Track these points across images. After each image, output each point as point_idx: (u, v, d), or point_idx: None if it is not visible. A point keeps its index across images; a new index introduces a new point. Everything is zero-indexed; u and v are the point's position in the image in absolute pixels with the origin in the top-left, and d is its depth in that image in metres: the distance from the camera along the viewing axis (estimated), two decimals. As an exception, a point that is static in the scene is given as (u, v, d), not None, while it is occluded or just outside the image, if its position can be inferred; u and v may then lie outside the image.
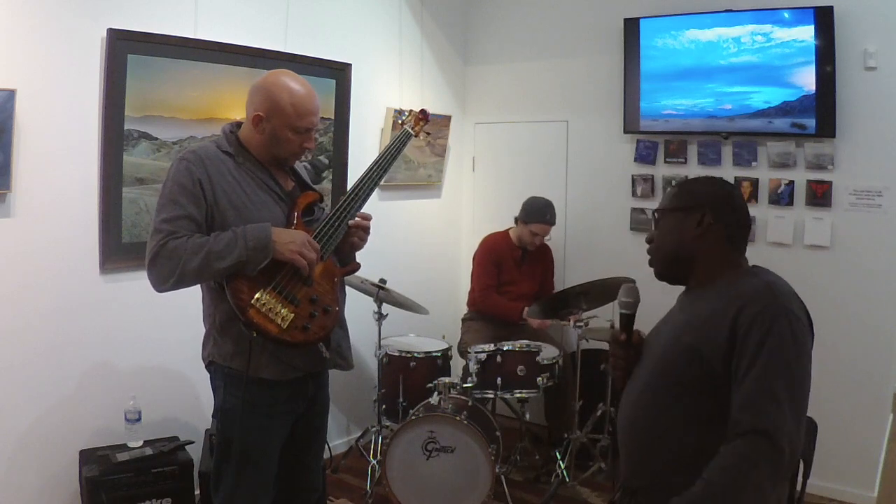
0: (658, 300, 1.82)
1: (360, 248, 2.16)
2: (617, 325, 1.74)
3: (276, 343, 1.89)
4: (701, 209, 1.59)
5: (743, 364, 1.39)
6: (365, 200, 2.13)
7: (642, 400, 1.56)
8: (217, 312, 1.99)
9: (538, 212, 3.88)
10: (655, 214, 1.69)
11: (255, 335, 1.86)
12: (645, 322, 1.76)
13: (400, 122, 2.43)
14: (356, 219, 2.10)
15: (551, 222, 3.89)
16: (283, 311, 1.89)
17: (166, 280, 1.85)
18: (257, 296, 1.86)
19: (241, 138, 2.03)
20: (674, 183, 1.73)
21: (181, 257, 1.82)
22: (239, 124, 2.07)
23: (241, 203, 1.94)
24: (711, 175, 1.78)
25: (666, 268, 1.65)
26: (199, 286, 2.02)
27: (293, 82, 1.98)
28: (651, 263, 1.67)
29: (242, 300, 1.85)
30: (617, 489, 3.24)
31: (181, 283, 1.86)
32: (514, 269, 3.98)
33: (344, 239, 2.09)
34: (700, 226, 1.58)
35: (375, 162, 2.19)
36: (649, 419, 1.53)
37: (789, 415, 1.34)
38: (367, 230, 2.13)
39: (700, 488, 1.35)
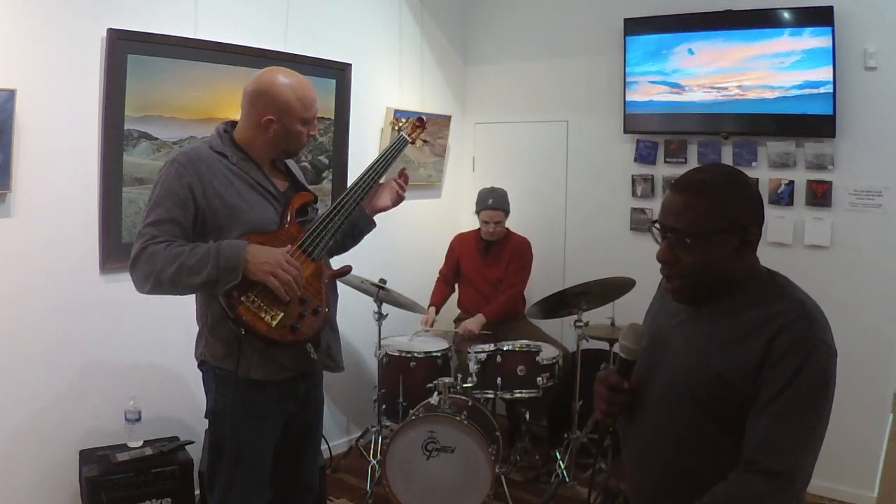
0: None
1: (395, 205, 2.31)
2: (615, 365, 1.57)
3: (264, 341, 1.89)
4: (740, 229, 1.38)
5: (769, 391, 1.30)
6: (359, 203, 2.15)
7: (662, 421, 1.45)
8: (209, 312, 1.99)
9: (481, 200, 3.97)
10: (669, 234, 1.42)
11: (243, 333, 1.86)
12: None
13: (397, 128, 2.43)
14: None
15: (495, 206, 3.92)
16: (272, 310, 1.89)
17: (144, 284, 1.87)
18: (247, 293, 1.87)
19: (238, 139, 2.03)
20: (679, 180, 1.46)
21: (156, 265, 1.83)
22: (233, 124, 2.07)
23: (234, 203, 1.94)
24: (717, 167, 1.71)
25: (700, 296, 1.45)
26: None
27: (290, 78, 2.00)
28: (675, 289, 1.46)
29: (232, 297, 1.85)
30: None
31: (157, 289, 1.87)
32: (479, 260, 4.06)
33: (344, 230, 2.13)
34: (742, 246, 1.39)
35: (371, 166, 2.20)
36: (675, 449, 1.42)
37: (810, 458, 1.30)
38: (404, 185, 2.30)
39: None
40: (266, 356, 1.96)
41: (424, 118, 2.45)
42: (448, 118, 4.45)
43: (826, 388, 1.32)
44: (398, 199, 2.32)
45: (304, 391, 2.12)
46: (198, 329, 2.08)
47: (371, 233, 2.32)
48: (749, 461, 1.29)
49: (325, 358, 2.10)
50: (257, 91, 1.99)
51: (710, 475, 1.36)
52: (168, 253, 1.84)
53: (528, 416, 3.65)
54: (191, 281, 1.83)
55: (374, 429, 3.59)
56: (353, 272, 2.21)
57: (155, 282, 1.84)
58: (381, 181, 2.27)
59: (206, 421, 2.10)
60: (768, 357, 1.32)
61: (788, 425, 1.28)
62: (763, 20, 3.48)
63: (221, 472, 2.00)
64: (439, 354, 3.60)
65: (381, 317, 3.50)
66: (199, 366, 2.10)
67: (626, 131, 4.01)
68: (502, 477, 3.26)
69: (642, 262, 3.77)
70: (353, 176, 3.75)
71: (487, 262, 4.04)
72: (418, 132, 2.42)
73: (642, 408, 1.51)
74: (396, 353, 3.55)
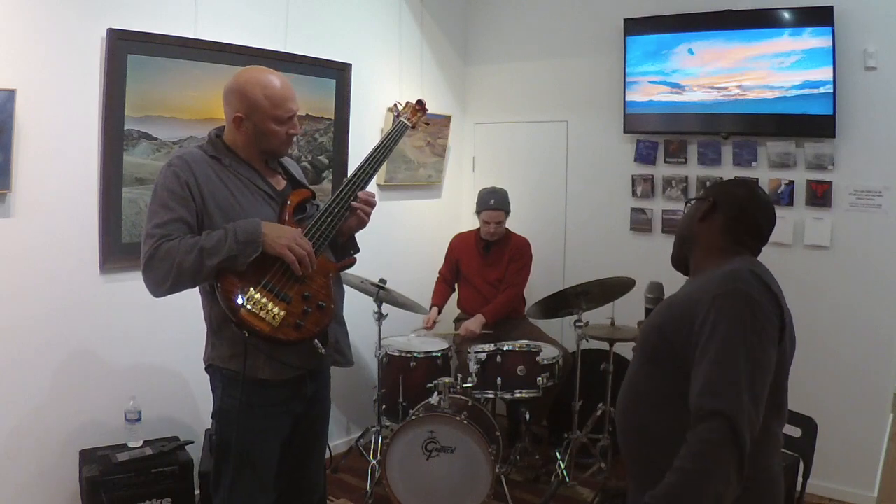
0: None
1: (359, 228, 2.16)
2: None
3: (268, 342, 1.89)
4: (708, 198, 1.69)
5: (699, 345, 1.43)
6: (356, 193, 2.11)
7: (626, 384, 1.63)
8: (212, 315, 1.99)
9: (483, 200, 3.95)
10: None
11: (247, 335, 1.85)
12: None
13: (396, 114, 2.41)
14: (359, 196, 2.10)
15: (496, 207, 3.90)
16: (274, 309, 1.88)
17: (163, 283, 1.85)
18: (248, 295, 1.86)
19: (227, 141, 2.02)
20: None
21: (175, 258, 1.82)
22: (223, 128, 2.07)
23: (229, 205, 1.94)
24: (721, 176, 1.82)
25: (676, 250, 1.75)
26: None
27: (263, 75, 1.98)
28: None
29: (233, 301, 1.84)
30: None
31: (178, 284, 1.86)
32: (478, 260, 4.05)
33: (345, 220, 2.09)
34: (702, 211, 1.68)
35: (370, 155, 2.18)
36: (631, 402, 1.59)
37: (748, 398, 1.36)
38: (371, 206, 2.14)
39: (672, 477, 1.36)
40: (273, 356, 1.95)
41: (423, 100, 2.42)
42: (448, 118, 4.45)
43: (753, 332, 1.41)
44: (361, 222, 2.16)
45: (312, 392, 2.12)
46: (206, 333, 2.08)
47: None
48: (693, 410, 1.39)
49: (334, 353, 2.10)
50: (229, 89, 1.99)
51: (665, 433, 1.47)
52: (184, 244, 1.84)
53: (528, 416, 3.65)
54: (212, 262, 1.82)
55: (374, 429, 3.59)
56: (352, 273, 2.21)
57: (177, 274, 1.83)
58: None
59: (207, 421, 2.10)
60: (695, 317, 1.46)
61: (721, 370, 1.38)
62: (763, 20, 3.48)
63: (226, 473, 2.00)
64: (439, 354, 3.60)
65: (381, 317, 3.49)
66: (206, 369, 2.09)
67: (626, 131, 4.01)
68: (502, 477, 3.26)
69: (642, 262, 3.77)
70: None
71: (487, 262, 4.03)
72: (418, 115, 2.38)
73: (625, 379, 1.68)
74: (396, 353, 3.55)
